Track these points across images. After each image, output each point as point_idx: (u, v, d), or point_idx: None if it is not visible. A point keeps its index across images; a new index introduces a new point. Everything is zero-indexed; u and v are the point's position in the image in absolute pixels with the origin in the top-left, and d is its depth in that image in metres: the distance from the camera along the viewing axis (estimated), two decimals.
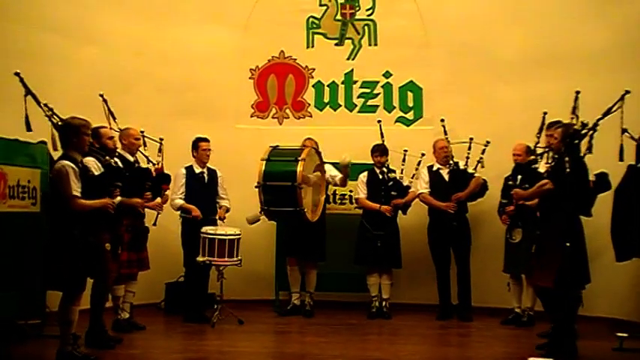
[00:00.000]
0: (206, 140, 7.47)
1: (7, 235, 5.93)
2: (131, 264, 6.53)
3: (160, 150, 7.07)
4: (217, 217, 7.46)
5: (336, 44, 8.85)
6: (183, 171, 7.41)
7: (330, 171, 7.58)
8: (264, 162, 6.79)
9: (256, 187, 6.74)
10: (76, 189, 5.19)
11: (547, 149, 6.22)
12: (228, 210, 7.53)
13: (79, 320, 5.35)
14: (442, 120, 7.66)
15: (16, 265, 5.94)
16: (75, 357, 5.26)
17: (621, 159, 6.12)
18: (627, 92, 5.77)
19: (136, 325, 6.78)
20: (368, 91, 8.79)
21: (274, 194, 6.73)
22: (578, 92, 6.07)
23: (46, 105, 5.90)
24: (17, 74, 5.81)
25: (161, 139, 7.12)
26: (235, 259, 7.07)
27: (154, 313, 7.74)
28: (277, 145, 7.02)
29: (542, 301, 6.05)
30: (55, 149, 5.85)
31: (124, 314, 6.69)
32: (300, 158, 6.70)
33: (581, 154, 5.79)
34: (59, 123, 5.54)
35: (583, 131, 5.67)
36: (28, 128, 5.83)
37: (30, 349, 5.89)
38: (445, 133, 7.66)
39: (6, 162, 5.98)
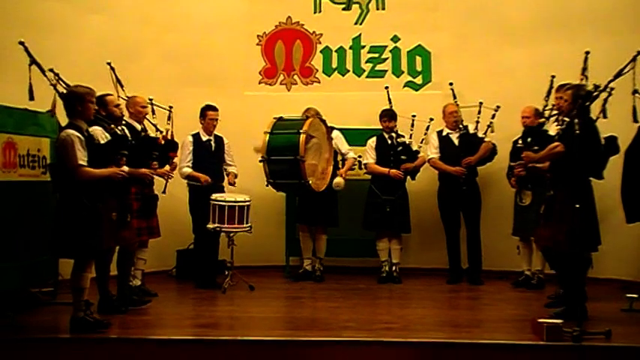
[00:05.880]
0: (214, 109, 7.43)
1: (19, 204, 5.96)
2: (141, 231, 6.55)
3: (169, 118, 7.06)
4: (227, 183, 7.47)
5: (344, 9, 8.75)
6: (190, 139, 7.39)
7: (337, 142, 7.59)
8: (268, 135, 6.81)
9: (260, 161, 6.79)
10: (82, 158, 5.17)
11: (557, 112, 6.16)
12: (236, 176, 7.51)
13: (90, 287, 5.40)
14: (451, 84, 7.63)
15: (28, 234, 5.98)
16: (88, 323, 5.30)
17: (635, 120, 6.08)
18: (639, 53, 5.68)
19: (147, 291, 6.84)
20: (376, 55, 8.71)
21: (278, 167, 6.79)
22: (587, 53, 6.01)
23: (51, 71, 5.90)
24: (21, 43, 5.80)
25: (170, 107, 7.10)
26: (245, 225, 7.08)
27: (165, 280, 7.80)
28: (282, 117, 7.01)
29: (548, 261, 6.07)
30: (52, 115, 5.87)
31: (135, 281, 6.73)
32: (302, 131, 6.70)
33: (594, 118, 5.75)
34: (64, 92, 5.52)
35: (595, 93, 5.60)
36: (31, 97, 5.84)
37: (44, 317, 5.94)
38: (454, 97, 7.63)
39: (16, 131, 5.99)
